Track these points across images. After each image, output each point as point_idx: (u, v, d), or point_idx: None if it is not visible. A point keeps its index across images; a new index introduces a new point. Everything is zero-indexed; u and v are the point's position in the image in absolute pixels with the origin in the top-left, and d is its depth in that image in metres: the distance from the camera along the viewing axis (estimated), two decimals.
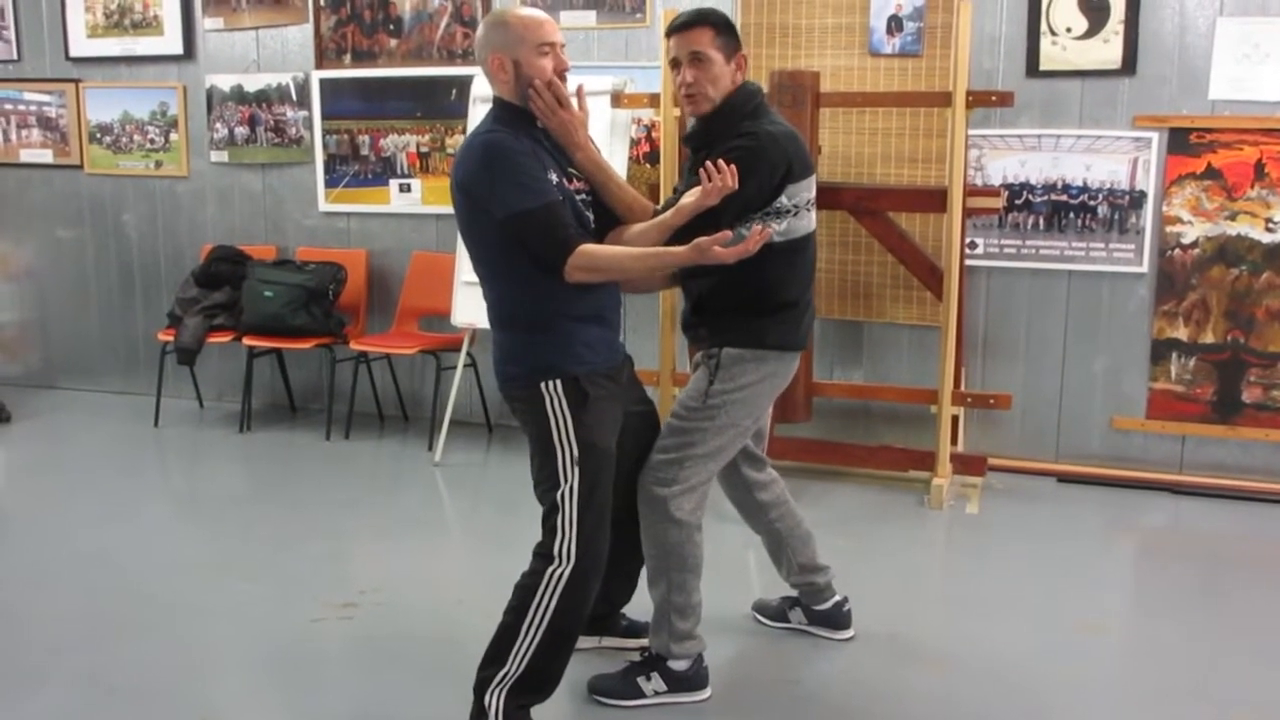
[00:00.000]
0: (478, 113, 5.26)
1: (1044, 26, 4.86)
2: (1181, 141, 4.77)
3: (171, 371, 5.96)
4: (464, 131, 5.51)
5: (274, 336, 5.68)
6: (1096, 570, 4.06)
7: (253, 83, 6.05)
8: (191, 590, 3.77)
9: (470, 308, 5.18)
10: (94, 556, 4.07)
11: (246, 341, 5.72)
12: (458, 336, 5.41)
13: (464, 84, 5.49)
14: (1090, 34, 4.82)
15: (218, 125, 6.15)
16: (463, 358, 5.36)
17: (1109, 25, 4.79)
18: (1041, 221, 4.97)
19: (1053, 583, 3.87)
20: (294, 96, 5.99)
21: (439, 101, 5.74)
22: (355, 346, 5.64)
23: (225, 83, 6.10)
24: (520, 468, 5.66)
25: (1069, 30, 4.84)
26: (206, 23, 6.08)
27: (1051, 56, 4.87)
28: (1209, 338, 4.85)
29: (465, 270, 5.21)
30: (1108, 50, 4.80)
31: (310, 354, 5.88)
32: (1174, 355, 4.90)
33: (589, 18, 5.41)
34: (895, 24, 4.91)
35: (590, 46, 5.43)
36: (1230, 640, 3.43)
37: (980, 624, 3.54)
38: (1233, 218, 4.76)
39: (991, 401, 4.77)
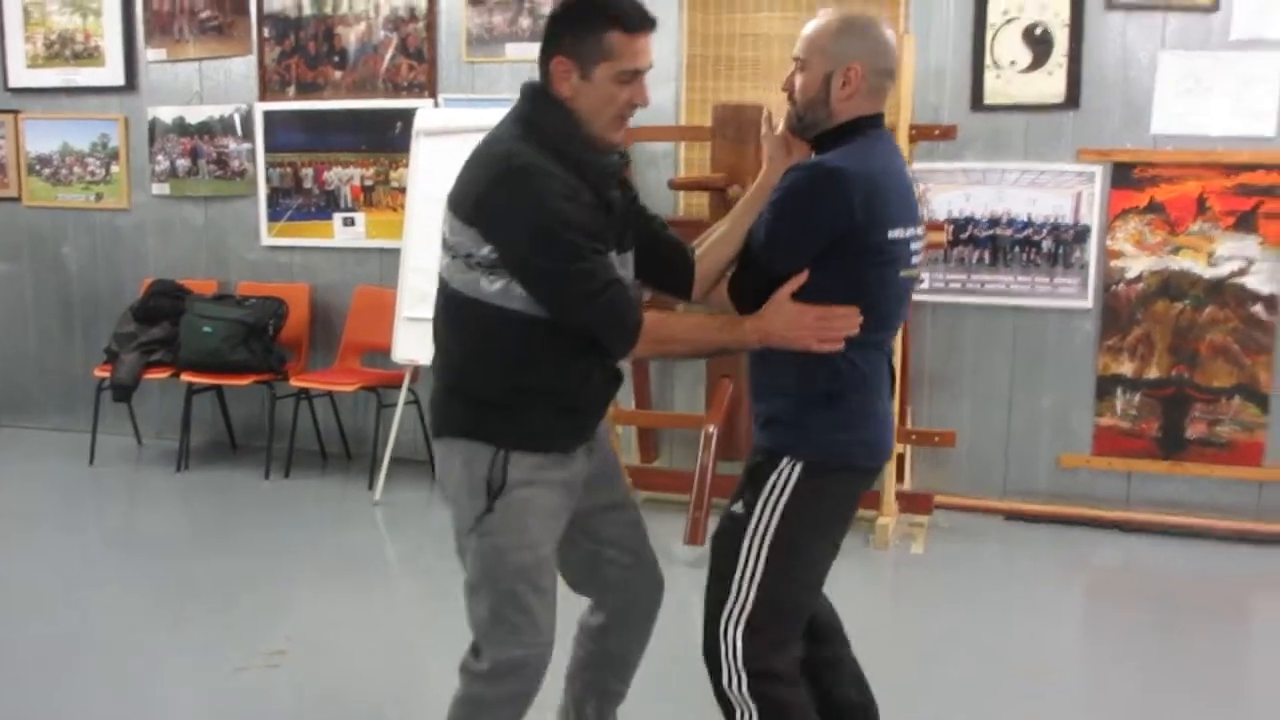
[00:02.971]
0: (420, 146, 5.20)
1: (988, 60, 4.85)
2: (1125, 175, 4.75)
3: (110, 408, 5.81)
4: (406, 165, 5.43)
5: (213, 373, 5.55)
6: (1045, 611, 4.00)
7: (195, 114, 5.96)
8: (115, 637, 3.65)
9: (412, 344, 5.10)
10: (18, 601, 3.94)
11: (185, 378, 5.59)
12: (399, 373, 5.31)
13: (408, 117, 5.41)
14: (1034, 67, 4.81)
15: (159, 157, 6.05)
16: (403, 395, 5.26)
17: (1053, 58, 4.79)
18: (986, 256, 4.94)
19: (1001, 625, 3.81)
20: (237, 129, 5.91)
21: (383, 134, 5.66)
22: (295, 383, 5.53)
23: (168, 114, 6.00)
24: None
25: (1013, 63, 4.83)
26: (149, 54, 6.00)
27: (995, 90, 4.85)
28: (1154, 373, 4.82)
29: (407, 306, 5.12)
30: (1051, 83, 4.79)
31: (251, 390, 5.75)
32: (1119, 391, 4.86)
33: (535, 50, 5.35)
34: None
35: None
36: (1180, 682, 3.39)
37: (927, 668, 3.46)
38: (1176, 252, 4.74)
39: (937, 439, 4.72)
